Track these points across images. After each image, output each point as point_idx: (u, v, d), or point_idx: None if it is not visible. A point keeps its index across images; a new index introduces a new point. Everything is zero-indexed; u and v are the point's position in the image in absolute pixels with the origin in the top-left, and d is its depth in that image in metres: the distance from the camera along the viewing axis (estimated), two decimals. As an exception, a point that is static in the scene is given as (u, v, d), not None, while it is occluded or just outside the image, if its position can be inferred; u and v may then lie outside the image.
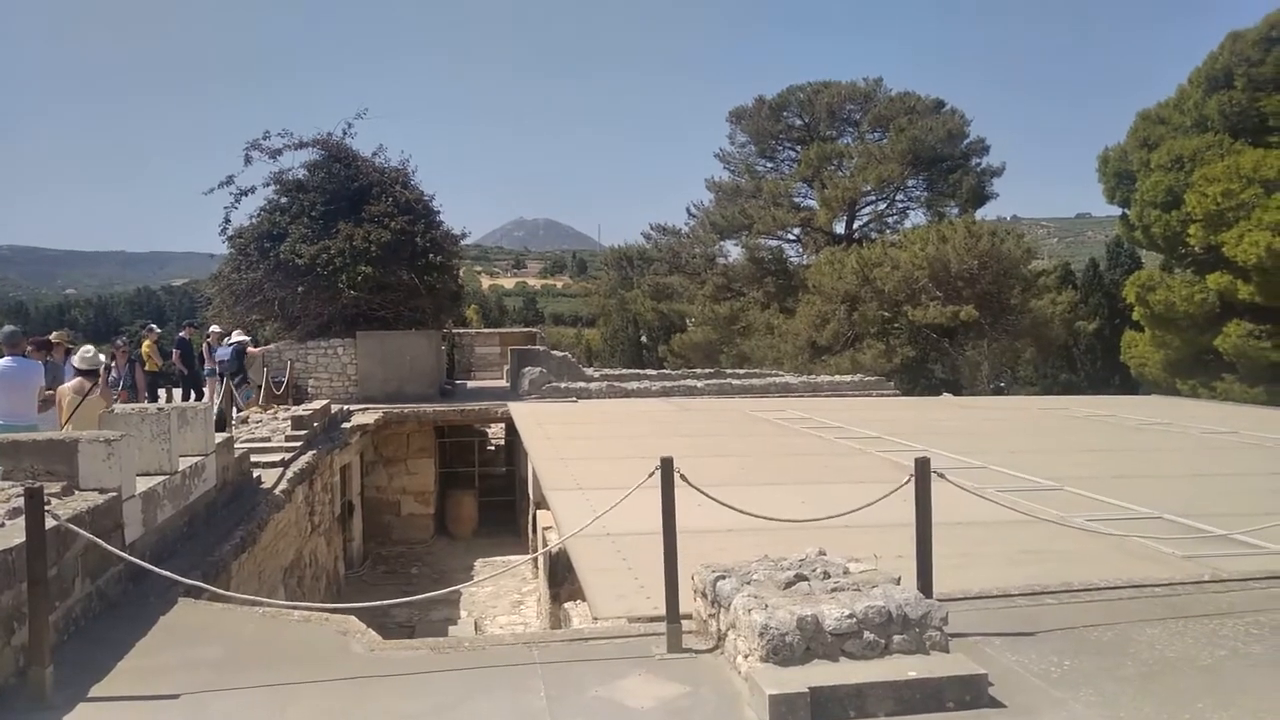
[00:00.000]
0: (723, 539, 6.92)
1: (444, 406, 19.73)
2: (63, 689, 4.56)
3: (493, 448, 23.11)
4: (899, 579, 4.95)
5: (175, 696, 4.50)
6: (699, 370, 32.16)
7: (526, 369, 22.18)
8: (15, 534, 4.95)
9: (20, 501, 5.61)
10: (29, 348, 9.33)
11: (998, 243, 35.27)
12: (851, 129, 47.75)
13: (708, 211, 48.79)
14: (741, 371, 31.34)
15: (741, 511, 5.75)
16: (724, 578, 5.07)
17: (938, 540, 5.44)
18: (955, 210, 43.23)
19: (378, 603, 6.19)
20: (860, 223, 47.04)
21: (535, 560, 12.12)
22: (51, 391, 9.16)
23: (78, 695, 4.52)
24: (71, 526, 5.26)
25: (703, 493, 5.55)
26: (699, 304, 45.56)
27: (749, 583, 4.96)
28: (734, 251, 48.29)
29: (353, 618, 5.68)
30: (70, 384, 8.85)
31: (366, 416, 17.50)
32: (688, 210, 50.56)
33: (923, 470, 5.46)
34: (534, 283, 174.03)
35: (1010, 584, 6.19)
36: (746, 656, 4.56)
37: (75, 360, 9.04)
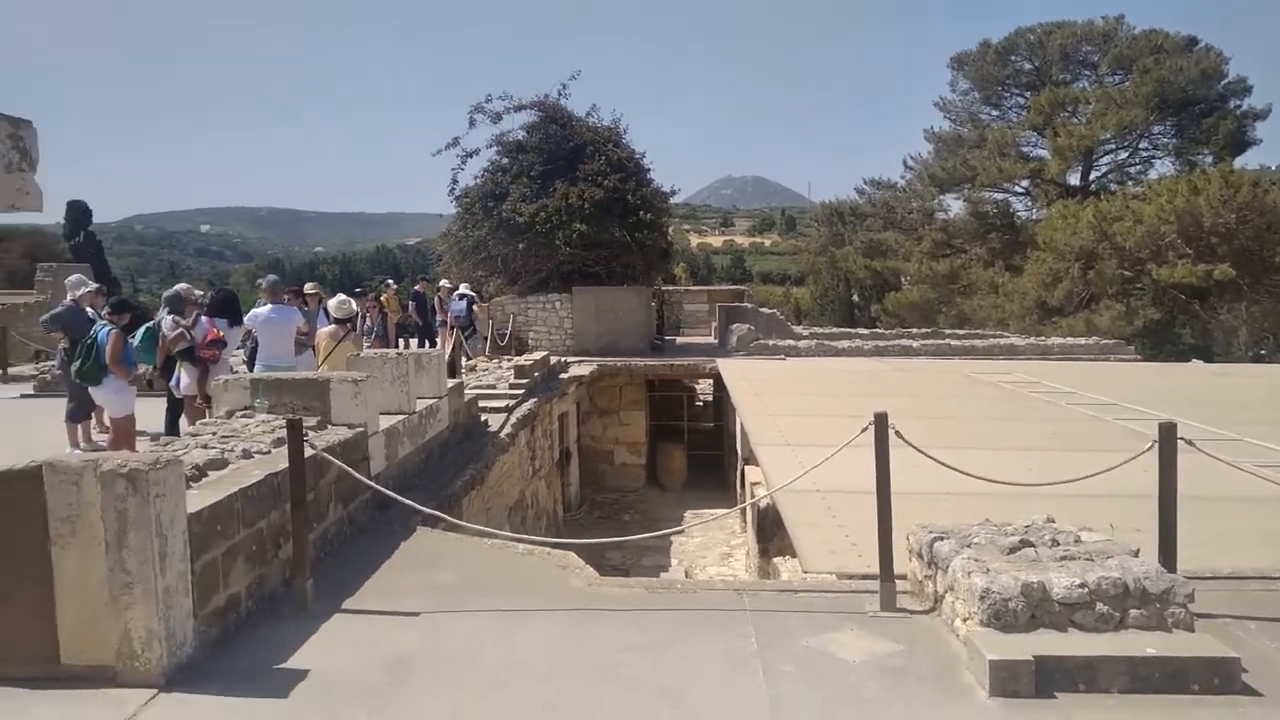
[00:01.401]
0: (938, 501, 6.68)
1: (654, 361, 20.14)
2: (321, 600, 5.08)
3: (701, 403, 23.39)
4: (1137, 551, 4.59)
5: (415, 614, 4.91)
6: (914, 330, 30.95)
7: (735, 326, 22.20)
8: (279, 460, 5.54)
9: (283, 432, 6.27)
10: (287, 296, 10.34)
11: (1260, 194, 31.43)
12: (1088, 72, 43.95)
13: (926, 164, 46.57)
14: (961, 332, 29.87)
15: (961, 472, 5.51)
16: (942, 539, 4.90)
17: (1184, 515, 4.99)
18: (1209, 158, 38.93)
19: (595, 540, 6.47)
20: (1098, 174, 43.40)
21: (744, 514, 12.20)
22: (307, 335, 10.13)
23: (333, 607, 5.03)
24: (326, 455, 5.82)
25: (920, 451, 5.36)
26: (915, 261, 43.75)
27: (969, 545, 4.77)
28: (955, 206, 45.93)
29: (572, 554, 5.96)
30: (326, 329, 9.75)
31: (582, 368, 18.17)
32: (904, 163, 48.54)
33: (1168, 436, 5.01)
34: (742, 240, 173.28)
35: (1270, 566, 5.59)
36: (965, 620, 4.39)
37: (331, 308, 9.93)
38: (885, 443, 5.04)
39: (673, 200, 25.42)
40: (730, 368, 17.95)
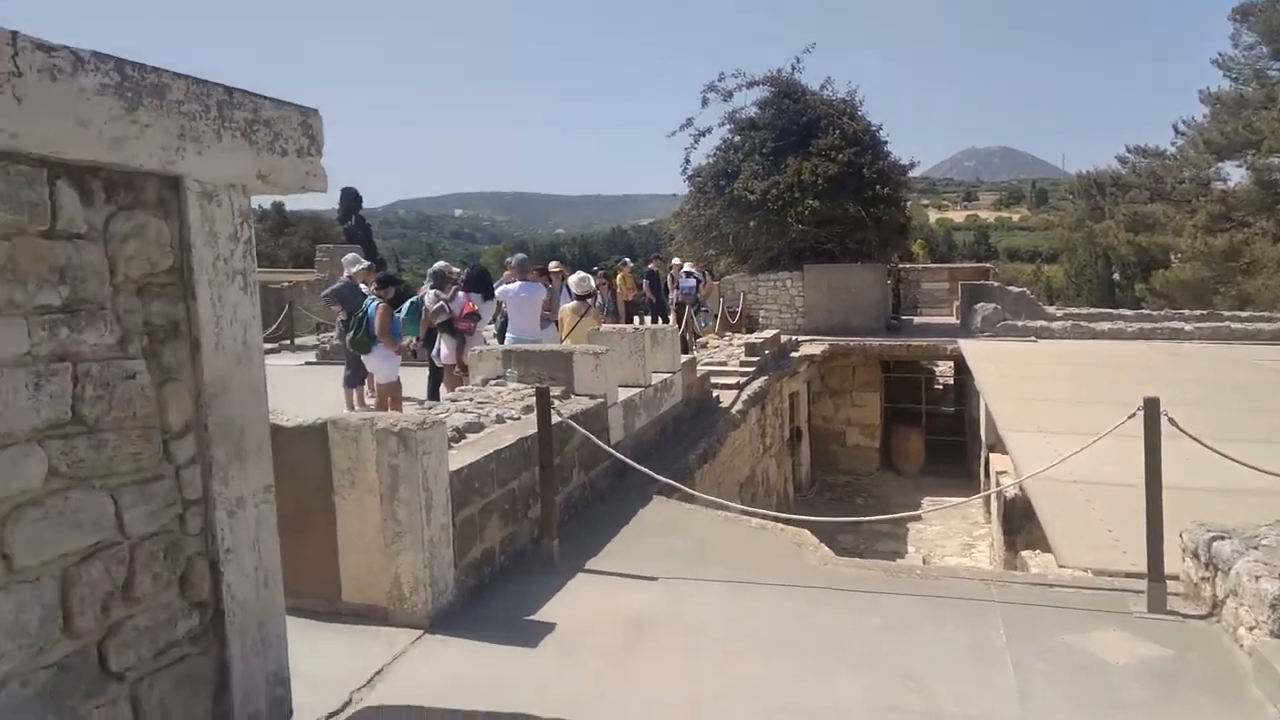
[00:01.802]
0: (1215, 499, 6.01)
1: (890, 341, 19.47)
2: (565, 559, 5.34)
3: (940, 386, 22.38)
4: None
5: (653, 579, 5.04)
6: (1187, 312, 27.98)
7: (979, 305, 21.01)
8: (529, 426, 5.86)
9: (532, 400, 6.62)
10: (533, 273, 10.88)
11: None
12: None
13: (1201, 128, 41.70)
14: (1244, 315, 26.65)
15: (1247, 466, 4.92)
16: (1223, 539, 4.41)
17: None
18: None
19: (829, 519, 6.37)
20: None
21: (988, 503, 11.57)
22: (550, 311, 10.64)
23: (576, 566, 5.26)
24: (571, 423, 6.09)
25: (1199, 442, 4.84)
26: (1187, 236, 39.42)
27: (1256, 547, 4.26)
28: (1235, 174, 40.87)
29: (806, 531, 5.90)
30: (569, 305, 10.21)
31: (813, 347, 17.89)
32: (1174, 128, 43.72)
33: None
34: (986, 215, 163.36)
35: None
36: (1251, 629, 3.93)
37: (571, 285, 10.39)
38: (1156, 430, 4.59)
39: (911, 174, 24.39)
40: (974, 349, 17.02)
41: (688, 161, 23.36)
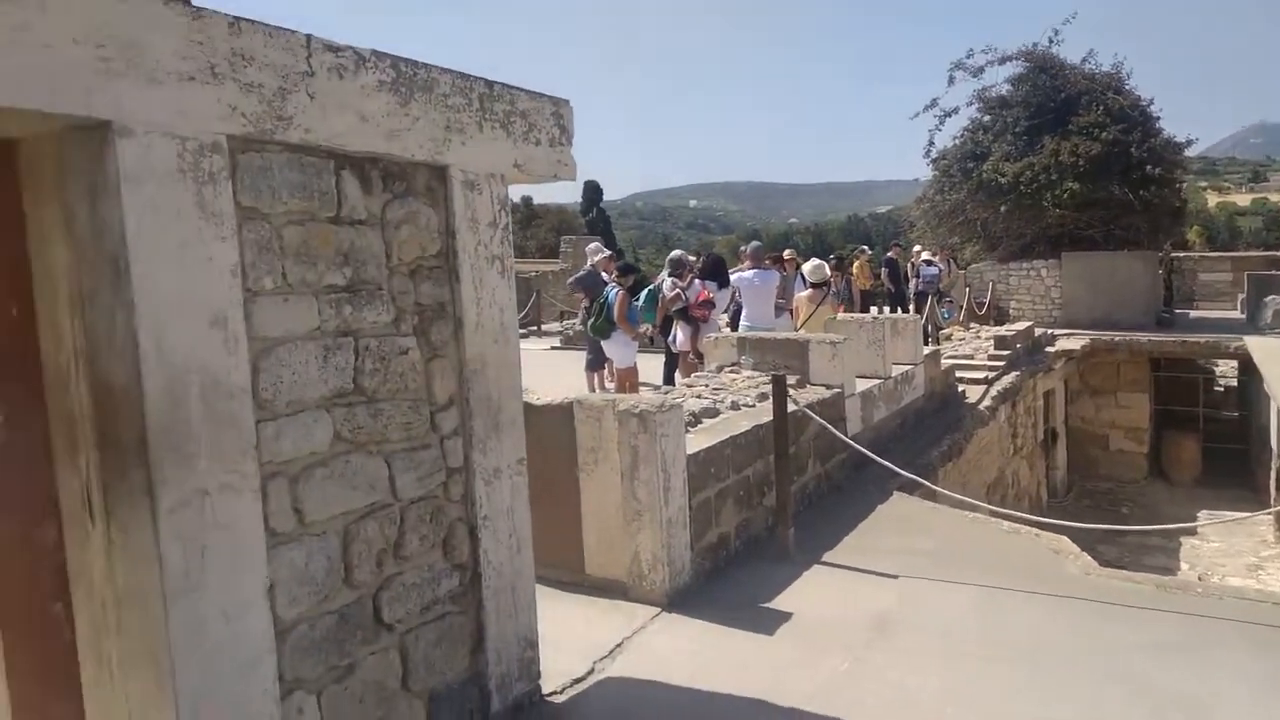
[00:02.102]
0: None
1: (1160, 337, 17.64)
2: (800, 550, 5.25)
3: (1220, 388, 20.03)
4: None
5: (894, 576, 4.85)
6: None
7: (1270, 299, 18.57)
8: (764, 413, 5.81)
9: (766, 388, 6.56)
10: (768, 260, 10.79)
11: None
12: None
13: None
14: None
15: None
16: None
17: None
18: None
19: (1090, 526, 5.86)
20: None
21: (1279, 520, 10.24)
22: (784, 299, 10.51)
23: (812, 558, 5.16)
24: (808, 412, 5.97)
25: None
26: None
27: None
28: None
29: (1065, 538, 5.46)
30: (805, 294, 10.05)
31: (1071, 342, 16.55)
32: None
33: None
34: (1277, 199, 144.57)
35: None
36: None
37: (806, 272, 10.21)
38: None
39: (1187, 152, 21.94)
40: (1263, 347, 15.08)
41: (931, 144, 22.29)
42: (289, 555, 2.63)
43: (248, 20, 2.38)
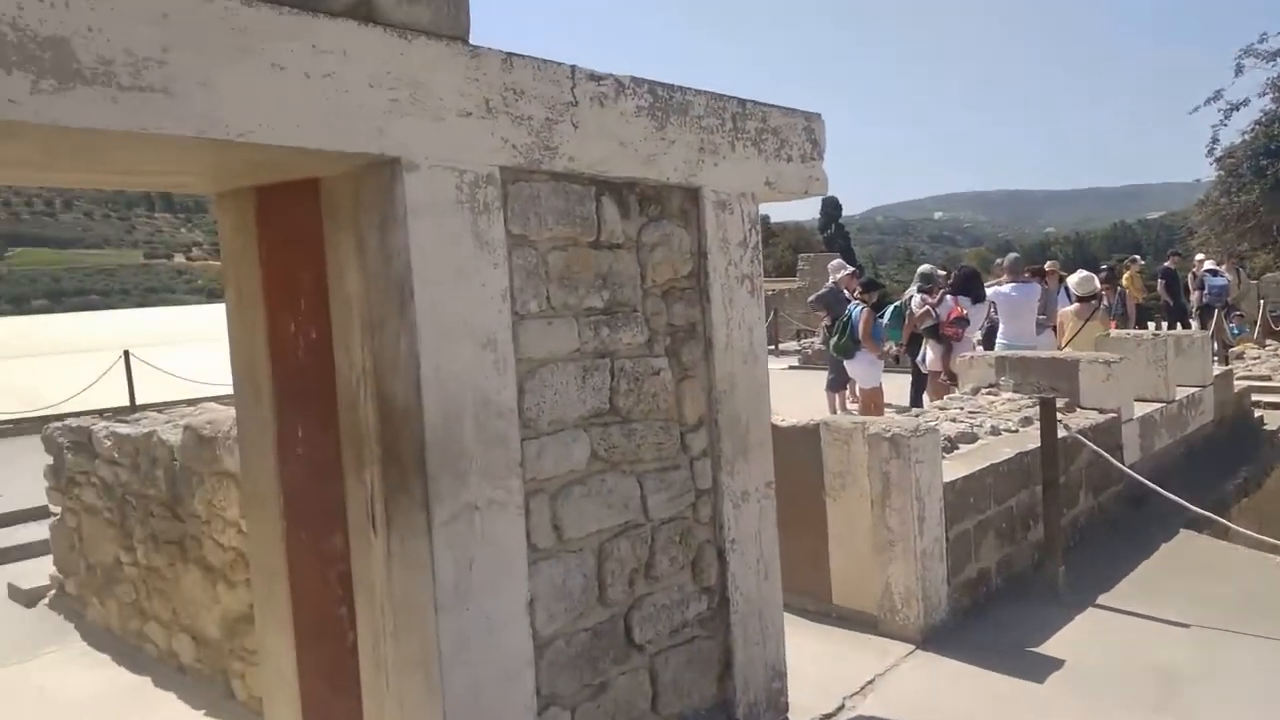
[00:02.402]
0: None
1: None
2: (1071, 590, 4.79)
3: None
4: None
5: (1184, 626, 4.31)
6: None
7: None
8: (1028, 439, 5.37)
9: (1029, 411, 6.08)
10: (1026, 273, 10.06)
11: None
12: None
13: None
14: None
15: None
16: None
17: None
18: None
19: None
20: None
21: None
22: (1045, 315, 9.73)
23: (1086, 599, 4.69)
24: (1079, 438, 5.47)
25: None
26: None
27: None
28: None
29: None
30: (1070, 308, 9.27)
31: (1398, 361, 14.21)
32: None
33: None
34: None
35: None
36: None
37: (1072, 285, 9.42)
38: None
39: None
40: None
41: (1215, 141, 20.04)
42: (548, 571, 2.70)
43: (519, 55, 2.48)
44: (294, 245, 2.68)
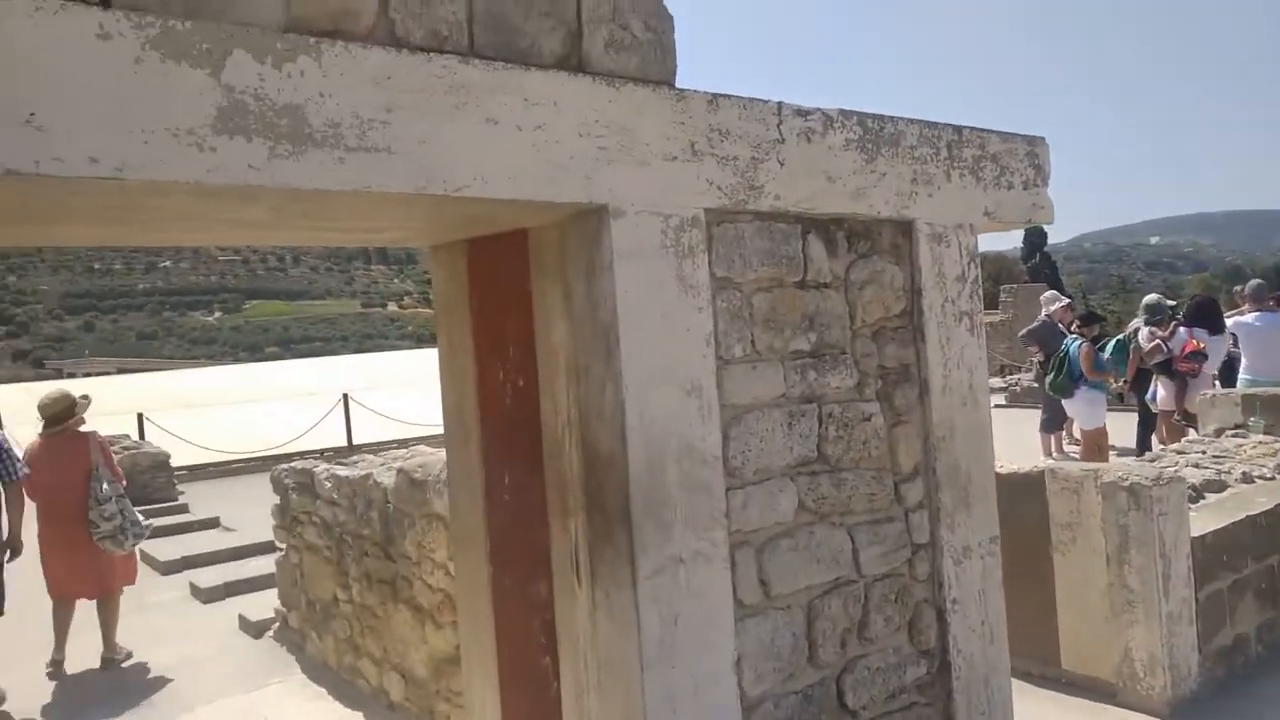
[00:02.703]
0: None
1: None
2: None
3: None
4: None
5: None
6: None
7: None
8: (1290, 490, 4.74)
9: (1291, 457, 5.38)
10: (1271, 301, 9.03)
11: None
12: None
13: None
14: None
15: None
16: None
17: None
18: None
19: None
20: None
21: None
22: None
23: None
24: (1357, 491, 4.77)
25: None
26: None
27: None
28: None
29: None
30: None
31: None
32: None
33: None
34: None
35: None
36: None
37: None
38: None
39: None
40: None
41: None
42: (755, 629, 2.57)
43: (724, 96, 2.42)
44: (503, 295, 2.72)
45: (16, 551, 5.22)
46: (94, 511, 5.28)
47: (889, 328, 2.95)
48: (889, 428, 2.93)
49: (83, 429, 5.57)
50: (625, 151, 2.25)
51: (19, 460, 5.26)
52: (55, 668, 5.40)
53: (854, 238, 2.85)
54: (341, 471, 4.71)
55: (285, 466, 5.54)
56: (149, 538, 8.59)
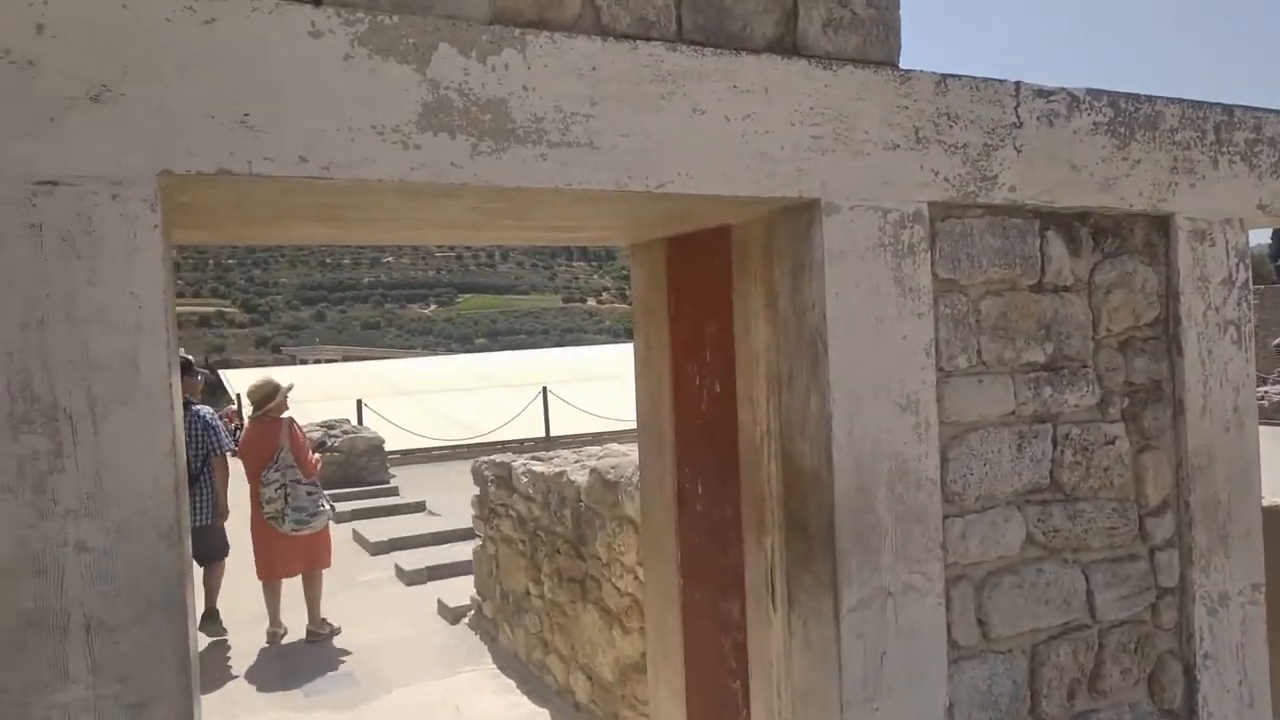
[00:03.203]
0: None
1: None
2: None
3: None
4: None
5: None
6: None
7: None
8: None
9: None
10: None
11: None
12: None
13: None
14: None
15: None
16: None
17: None
18: None
19: None
20: None
21: None
22: None
23: None
24: None
25: None
26: None
27: None
28: None
29: None
30: None
31: None
32: None
33: None
34: None
35: None
36: None
37: None
38: None
39: None
40: None
41: None
42: (970, 673, 2.31)
43: (954, 76, 2.18)
44: (702, 295, 2.59)
45: (223, 515, 5.86)
46: (262, 492, 5.70)
47: (1138, 338, 2.59)
48: (1135, 453, 2.57)
49: (284, 415, 5.94)
50: (841, 140, 2.05)
51: (227, 436, 5.98)
52: (271, 638, 5.82)
53: (1100, 235, 2.52)
54: (537, 467, 4.75)
55: (485, 459, 5.67)
56: (361, 519, 9.17)
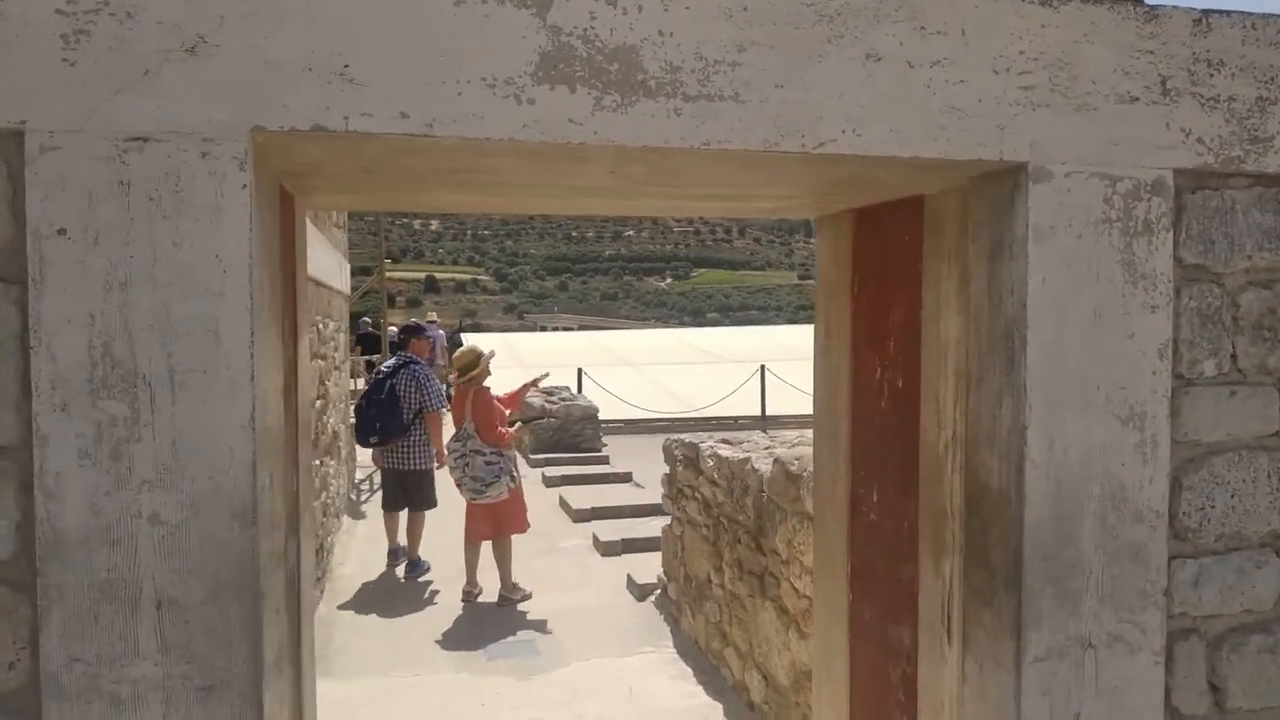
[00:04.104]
0: None
1: None
2: None
3: None
4: None
5: None
6: None
7: None
8: None
9: None
10: None
11: None
12: None
13: None
14: None
15: None
16: None
17: None
18: None
19: None
20: None
21: None
22: None
23: None
24: None
25: None
26: None
27: None
28: None
29: None
30: None
31: None
32: None
33: None
34: None
35: None
36: None
37: None
38: None
39: None
40: None
41: None
42: (1197, 752, 1.88)
43: (1219, 12, 1.72)
44: (889, 277, 2.27)
45: (441, 462, 6.33)
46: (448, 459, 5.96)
47: None
48: None
49: (486, 382, 6.04)
50: (1059, 92, 1.68)
51: (439, 396, 6.55)
52: (466, 596, 6.01)
53: None
54: (724, 451, 4.54)
55: (676, 439, 5.53)
56: (571, 484, 9.35)
